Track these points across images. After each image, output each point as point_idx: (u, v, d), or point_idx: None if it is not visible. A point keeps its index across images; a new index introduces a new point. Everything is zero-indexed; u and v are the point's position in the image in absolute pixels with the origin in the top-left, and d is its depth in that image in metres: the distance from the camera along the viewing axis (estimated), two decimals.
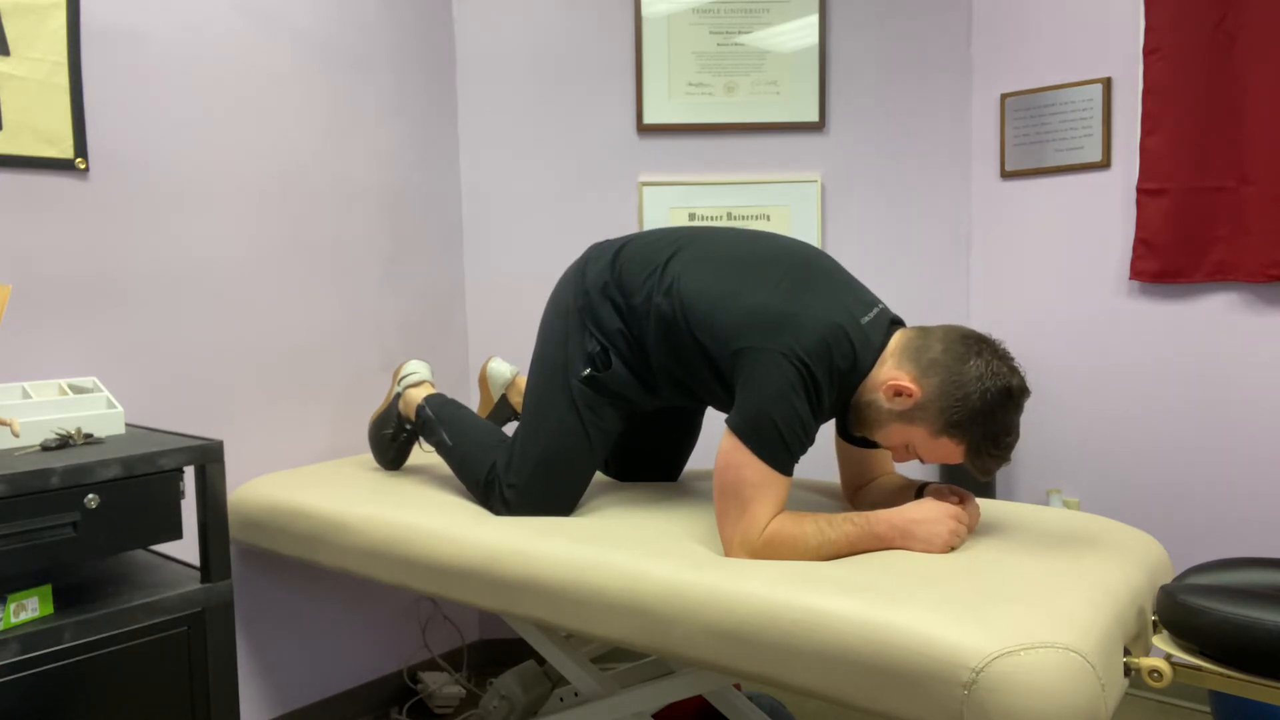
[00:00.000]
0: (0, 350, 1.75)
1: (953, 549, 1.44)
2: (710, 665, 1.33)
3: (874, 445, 1.69)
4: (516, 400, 2.12)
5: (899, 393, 1.46)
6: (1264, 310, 2.20)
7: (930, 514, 1.45)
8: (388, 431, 2.06)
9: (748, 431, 1.46)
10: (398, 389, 2.07)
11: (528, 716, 2.06)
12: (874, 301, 1.58)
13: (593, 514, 1.73)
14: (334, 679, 2.35)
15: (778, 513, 1.46)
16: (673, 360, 1.63)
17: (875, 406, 1.50)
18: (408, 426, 2.03)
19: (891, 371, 1.48)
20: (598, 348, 1.69)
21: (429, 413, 1.92)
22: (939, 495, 1.55)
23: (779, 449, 1.45)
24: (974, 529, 1.55)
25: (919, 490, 1.62)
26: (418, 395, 1.99)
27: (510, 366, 2.16)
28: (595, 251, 1.79)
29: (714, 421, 2.47)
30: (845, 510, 1.62)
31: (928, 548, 1.43)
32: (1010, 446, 1.45)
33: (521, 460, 1.72)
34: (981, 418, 1.41)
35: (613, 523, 1.66)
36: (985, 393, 1.40)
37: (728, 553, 1.47)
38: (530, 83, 2.56)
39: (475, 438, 1.85)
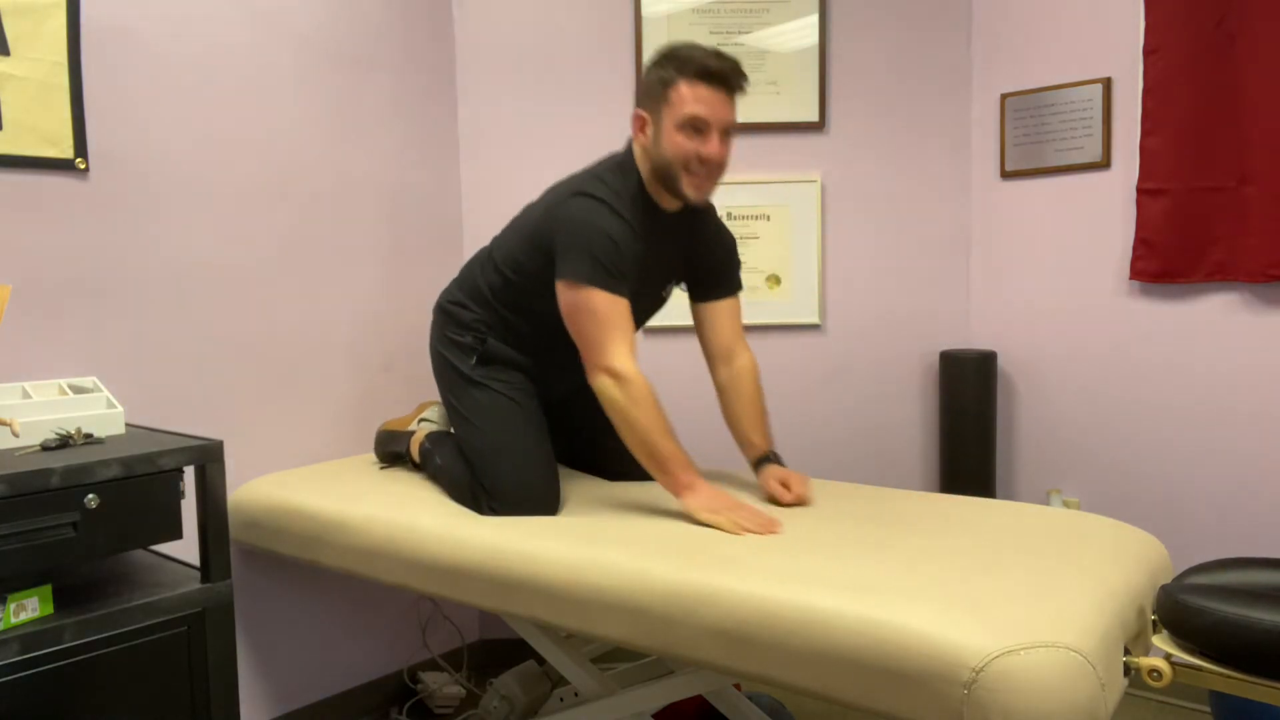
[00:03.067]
0: (0, 350, 1.75)
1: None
2: (710, 665, 1.33)
3: (708, 296, 1.95)
4: None
5: (636, 123, 1.76)
6: (1264, 310, 2.20)
7: (717, 510, 1.62)
8: (396, 451, 2.15)
9: (569, 270, 1.68)
10: (416, 425, 2.19)
11: (528, 716, 2.06)
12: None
13: (592, 514, 1.74)
14: (334, 679, 2.35)
15: (629, 343, 1.68)
16: (526, 304, 1.84)
17: (645, 154, 1.76)
18: (410, 464, 2.15)
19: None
20: (468, 338, 1.90)
21: (428, 445, 2.03)
22: (767, 481, 1.79)
23: (602, 272, 1.67)
24: (804, 500, 1.76)
25: (761, 459, 1.87)
26: (422, 434, 2.09)
27: None
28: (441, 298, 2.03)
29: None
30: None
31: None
32: (701, 50, 1.69)
33: (479, 457, 1.81)
34: (657, 66, 1.72)
35: (612, 523, 1.66)
36: (653, 60, 1.75)
37: (591, 379, 1.70)
38: (530, 83, 2.56)
39: (459, 456, 1.91)
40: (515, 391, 1.87)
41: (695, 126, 1.69)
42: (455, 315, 1.95)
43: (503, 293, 1.87)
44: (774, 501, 1.77)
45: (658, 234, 1.81)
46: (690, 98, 1.68)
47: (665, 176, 1.73)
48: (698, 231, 1.92)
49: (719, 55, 1.70)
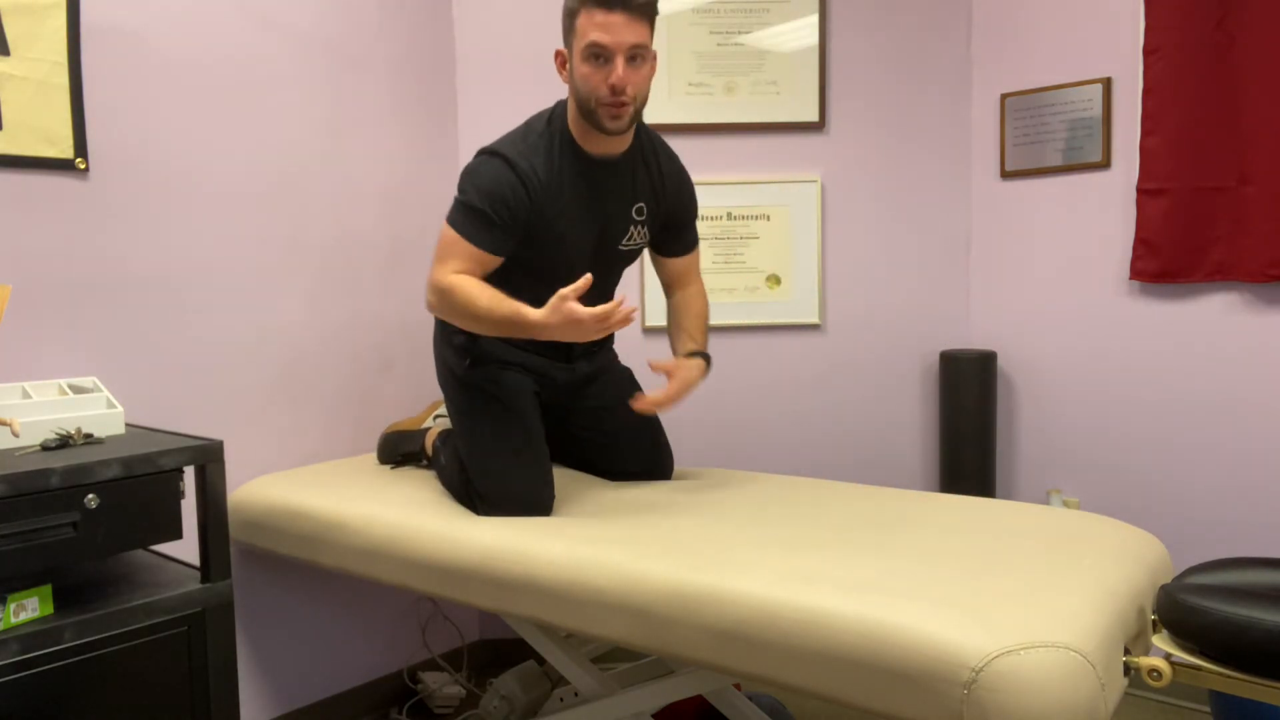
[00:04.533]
0: (0, 350, 1.75)
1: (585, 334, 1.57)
2: (710, 665, 1.33)
3: (666, 251, 1.99)
4: None
5: (557, 62, 1.76)
6: (1264, 310, 2.20)
7: (559, 319, 1.56)
8: (409, 450, 2.15)
9: (449, 217, 1.75)
10: (431, 422, 2.19)
11: (528, 716, 2.06)
12: None
13: (592, 514, 1.74)
14: (334, 679, 2.35)
15: (465, 270, 1.70)
16: (496, 278, 1.78)
17: (571, 91, 1.73)
18: (424, 461, 2.14)
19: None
20: (461, 338, 1.87)
21: (438, 443, 2.04)
22: (673, 365, 1.83)
23: (465, 217, 1.71)
24: (679, 391, 1.78)
25: (690, 354, 1.91)
26: (436, 431, 2.11)
27: None
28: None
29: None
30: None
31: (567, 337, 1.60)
32: None
33: (470, 460, 1.82)
34: (568, 1, 1.69)
35: (612, 523, 1.66)
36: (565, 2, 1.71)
37: (426, 305, 1.77)
38: (530, 83, 2.56)
39: (457, 456, 1.91)
40: (507, 393, 1.84)
41: (597, 54, 1.65)
42: (445, 327, 1.93)
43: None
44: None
45: (590, 181, 1.79)
46: (588, 25, 1.65)
47: (585, 112, 1.71)
48: (648, 177, 1.88)
49: None
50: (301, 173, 2.22)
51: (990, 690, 1.08)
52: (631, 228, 1.88)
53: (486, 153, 1.75)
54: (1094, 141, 2.40)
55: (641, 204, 1.87)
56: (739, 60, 2.56)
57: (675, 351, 1.95)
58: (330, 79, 2.28)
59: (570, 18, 1.69)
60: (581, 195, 1.78)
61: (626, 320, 1.56)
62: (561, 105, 1.81)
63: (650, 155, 1.88)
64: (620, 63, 1.65)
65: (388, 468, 2.16)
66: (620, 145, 1.80)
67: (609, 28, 1.64)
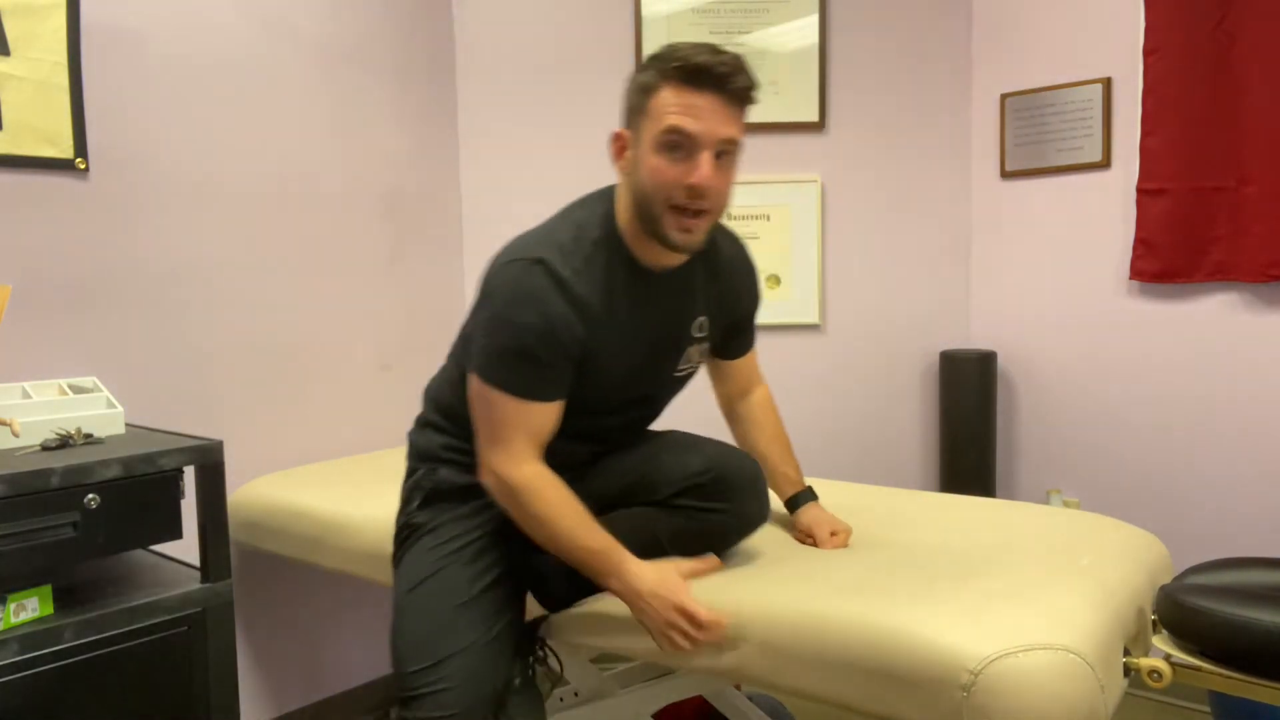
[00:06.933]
0: (0, 350, 1.75)
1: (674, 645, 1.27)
2: (708, 668, 1.33)
3: (726, 354, 1.60)
4: None
5: (614, 146, 1.37)
6: (1264, 310, 2.20)
7: (661, 597, 1.26)
8: None
9: (477, 363, 1.35)
10: None
11: None
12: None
13: None
14: (334, 679, 2.35)
15: (532, 447, 1.34)
16: None
17: (627, 188, 1.36)
18: None
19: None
20: (420, 470, 1.52)
21: None
22: (809, 522, 1.50)
23: (509, 364, 1.32)
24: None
25: (795, 498, 1.57)
26: None
27: None
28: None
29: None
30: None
31: (646, 625, 1.30)
32: (692, 45, 1.29)
33: (395, 615, 1.42)
34: (640, 69, 1.33)
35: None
36: (635, 74, 1.35)
37: (481, 476, 1.37)
38: (530, 83, 2.56)
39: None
40: (452, 544, 1.43)
41: (678, 144, 1.27)
42: (415, 443, 1.57)
43: (461, 388, 1.43)
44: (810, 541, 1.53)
45: (644, 298, 1.39)
46: (671, 106, 1.27)
47: (646, 216, 1.32)
48: (714, 285, 1.49)
49: (714, 50, 1.28)
50: (301, 172, 2.22)
51: (989, 692, 1.08)
52: (690, 348, 1.49)
53: (533, 264, 1.31)
54: (1094, 141, 2.40)
55: (704, 318, 1.48)
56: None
57: (773, 484, 1.59)
58: (330, 79, 2.27)
59: (643, 94, 1.31)
60: (632, 316, 1.39)
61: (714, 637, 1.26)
62: (609, 196, 1.41)
63: (713, 255, 1.48)
64: (706, 159, 1.27)
65: (388, 468, 2.15)
66: (683, 255, 1.40)
67: (699, 113, 1.26)
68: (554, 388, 1.35)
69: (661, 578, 1.29)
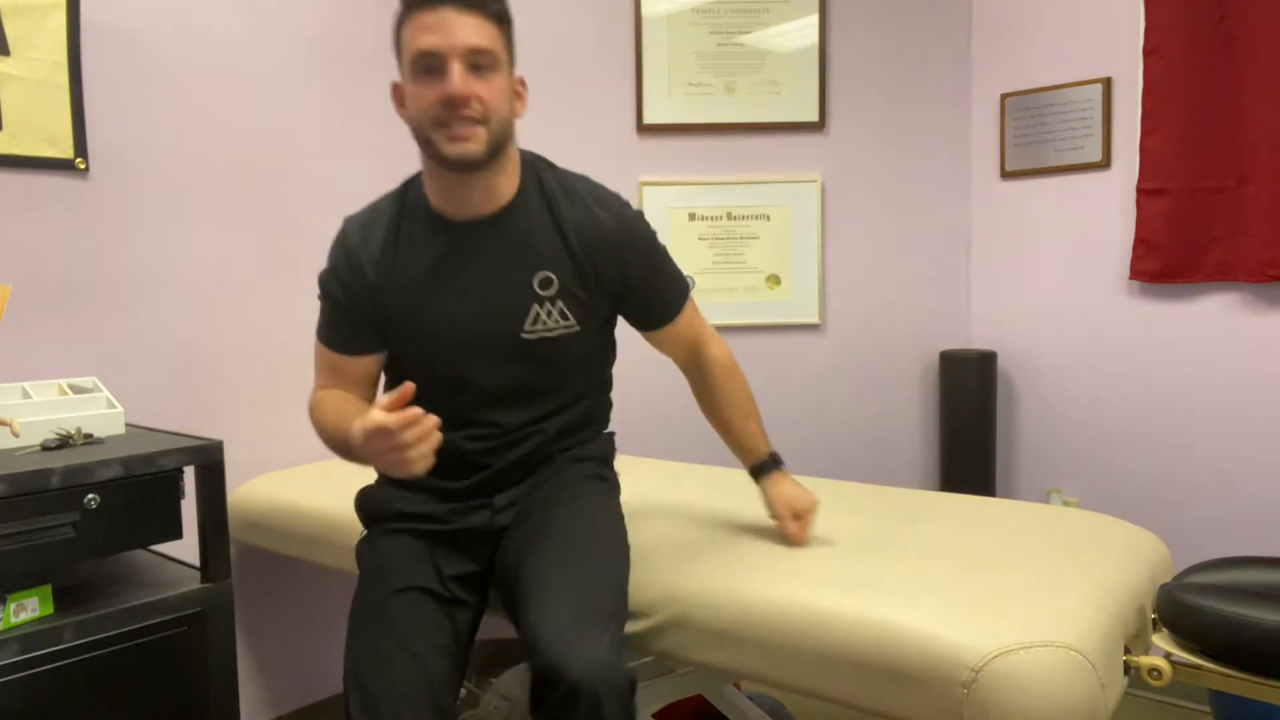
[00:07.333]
0: (0, 350, 1.75)
1: (410, 467, 1.18)
2: (709, 665, 1.33)
3: (648, 325, 1.52)
4: None
5: (394, 98, 1.40)
6: (1264, 310, 2.20)
7: (364, 431, 1.18)
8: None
9: None
10: None
11: (528, 717, 2.06)
12: None
13: None
14: (334, 679, 2.34)
15: (326, 382, 1.46)
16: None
17: (412, 130, 1.37)
18: None
19: None
20: (370, 487, 1.54)
21: None
22: (771, 500, 1.50)
23: (320, 321, 1.47)
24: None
25: (755, 469, 1.54)
26: None
27: None
28: None
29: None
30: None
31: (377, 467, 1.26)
32: None
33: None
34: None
35: None
36: None
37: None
38: (530, 82, 2.56)
39: None
40: (382, 558, 1.42)
41: (430, 65, 1.27)
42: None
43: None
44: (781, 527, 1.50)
45: (458, 254, 1.38)
46: (414, 30, 1.27)
47: (425, 147, 1.34)
48: (551, 235, 1.40)
49: None
50: (301, 172, 2.22)
51: (990, 690, 1.08)
52: (536, 308, 1.39)
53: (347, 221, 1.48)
54: (1094, 141, 2.40)
55: (548, 274, 1.39)
56: (739, 60, 2.56)
57: (736, 453, 1.57)
58: (330, 79, 2.28)
59: (396, 35, 1.33)
60: (448, 273, 1.38)
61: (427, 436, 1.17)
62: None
63: (553, 206, 1.42)
64: (456, 69, 1.26)
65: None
66: (491, 202, 1.38)
67: (437, 27, 1.26)
68: (343, 339, 1.44)
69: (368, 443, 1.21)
